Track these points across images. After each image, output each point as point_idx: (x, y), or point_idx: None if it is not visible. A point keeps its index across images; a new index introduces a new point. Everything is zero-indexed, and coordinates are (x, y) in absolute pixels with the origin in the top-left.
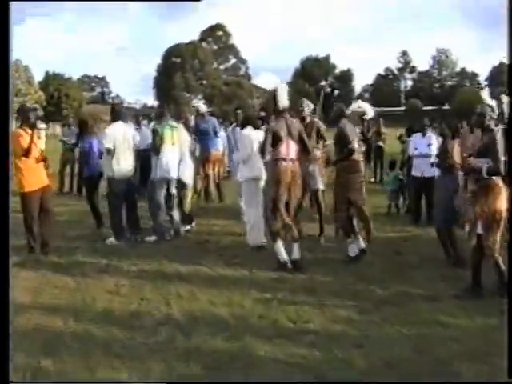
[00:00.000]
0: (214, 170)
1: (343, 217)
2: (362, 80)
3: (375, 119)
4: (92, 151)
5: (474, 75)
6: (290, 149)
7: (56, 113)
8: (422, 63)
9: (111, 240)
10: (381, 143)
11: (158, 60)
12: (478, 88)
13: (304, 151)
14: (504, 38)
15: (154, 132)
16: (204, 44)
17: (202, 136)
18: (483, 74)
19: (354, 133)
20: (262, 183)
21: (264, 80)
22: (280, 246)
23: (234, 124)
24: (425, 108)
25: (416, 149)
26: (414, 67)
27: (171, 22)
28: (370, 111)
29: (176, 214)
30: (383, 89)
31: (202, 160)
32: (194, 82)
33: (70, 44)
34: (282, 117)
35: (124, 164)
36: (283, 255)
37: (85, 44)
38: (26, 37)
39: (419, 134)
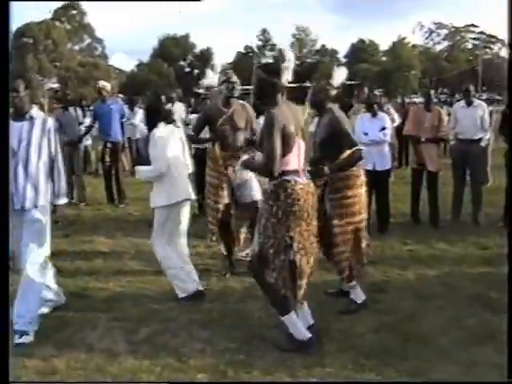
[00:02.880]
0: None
1: (348, 254)
2: (221, 59)
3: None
4: None
5: (334, 52)
6: (301, 155)
7: None
8: (282, 41)
9: None
10: None
11: None
12: (338, 64)
13: None
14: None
15: None
16: (57, 23)
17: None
18: (342, 51)
19: (349, 124)
20: (188, 208)
21: (119, 60)
22: (294, 318)
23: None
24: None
25: (366, 134)
26: (274, 45)
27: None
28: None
29: None
30: (243, 67)
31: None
32: (48, 63)
33: None
34: (282, 100)
35: None
36: (302, 331)
37: None
38: None
39: (367, 115)
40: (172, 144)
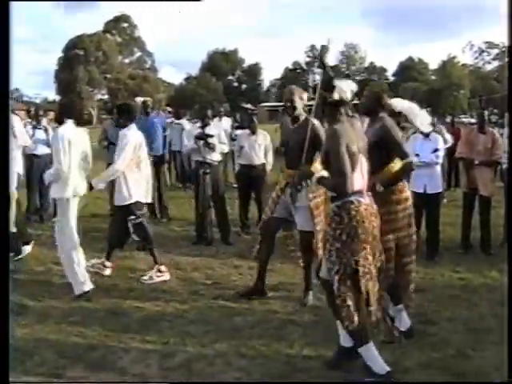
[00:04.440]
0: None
1: (390, 274)
2: (270, 74)
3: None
4: None
5: (383, 70)
6: (364, 174)
7: None
8: (330, 58)
9: None
10: None
11: (60, 51)
12: (386, 82)
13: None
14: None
15: None
16: (108, 36)
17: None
18: (391, 69)
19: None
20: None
21: (169, 74)
22: (371, 349)
23: None
24: None
25: (417, 155)
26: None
27: (74, 12)
28: None
29: None
30: (292, 83)
31: None
32: (98, 75)
33: None
34: (344, 117)
35: None
36: (382, 364)
37: None
38: None
39: (420, 135)
40: (74, 143)
